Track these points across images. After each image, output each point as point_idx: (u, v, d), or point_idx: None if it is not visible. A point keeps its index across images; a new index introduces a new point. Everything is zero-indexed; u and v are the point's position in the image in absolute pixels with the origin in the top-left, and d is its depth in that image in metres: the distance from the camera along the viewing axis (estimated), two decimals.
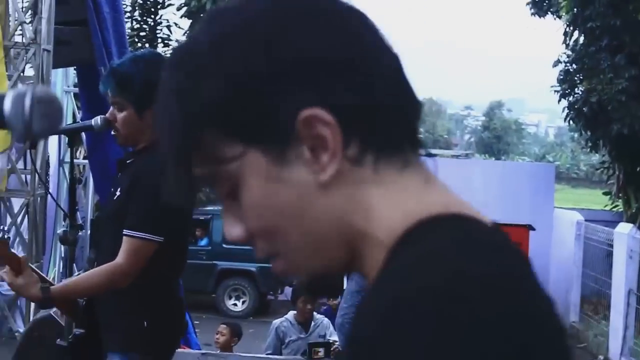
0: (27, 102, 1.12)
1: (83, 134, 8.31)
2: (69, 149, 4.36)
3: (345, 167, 1.15)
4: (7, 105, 1.12)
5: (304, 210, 1.16)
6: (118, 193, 4.21)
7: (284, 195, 1.15)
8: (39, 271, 4.09)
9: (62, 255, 11.55)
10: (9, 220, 9.15)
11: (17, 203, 9.24)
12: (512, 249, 1.12)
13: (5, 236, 3.77)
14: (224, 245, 17.95)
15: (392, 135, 1.18)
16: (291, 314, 9.52)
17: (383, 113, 1.17)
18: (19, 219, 9.14)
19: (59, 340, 4.23)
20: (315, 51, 1.14)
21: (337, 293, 9.21)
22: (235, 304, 18.29)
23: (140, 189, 4.01)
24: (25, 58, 8.90)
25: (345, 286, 7.99)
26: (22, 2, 9.26)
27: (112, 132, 4.21)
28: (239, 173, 1.16)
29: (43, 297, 3.87)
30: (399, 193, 1.17)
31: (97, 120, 4.23)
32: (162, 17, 24.06)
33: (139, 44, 23.33)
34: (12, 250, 3.93)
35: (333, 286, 1.30)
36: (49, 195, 8.90)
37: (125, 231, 3.96)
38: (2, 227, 3.76)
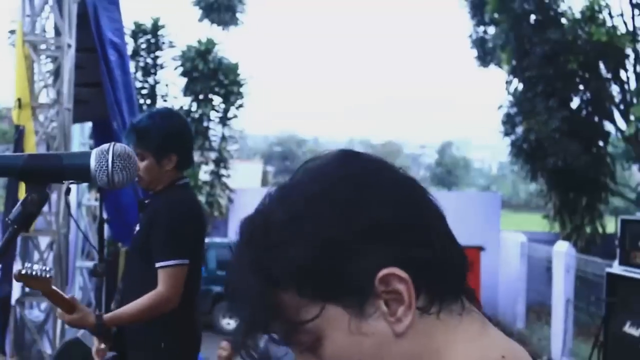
0: (110, 157, 1.16)
1: None
2: (85, 194, 4.37)
3: (415, 316, 1.14)
4: (92, 161, 1.16)
5: (382, 358, 1.14)
6: (137, 228, 4.23)
7: (365, 346, 1.14)
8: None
9: (81, 285, 11.50)
10: (36, 256, 9.11)
11: (43, 241, 9.19)
12: None
13: (48, 275, 3.77)
14: (218, 272, 17.96)
15: (451, 284, 1.19)
16: None
17: (443, 266, 1.17)
18: (45, 255, 9.10)
19: None
20: (387, 217, 1.14)
21: None
22: (228, 323, 18.21)
23: (159, 223, 4.02)
24: (49, 116, 8.90)
25: None
26: (46, 68, 9.27)
27: (136, 179, 4.22)
28: (321, 328, 1.14)
29: (97, 325, 3.88)
30: (461, 339, 1.17)
31: None
32: (161, 77, 24.08)
33: (142, 100, 23.32)
34: (55, 288, 3.94)
35: None
36: (70, 234, 8.88)
37: (157, 264, 3.96)
38: (45, 267, 3.76)
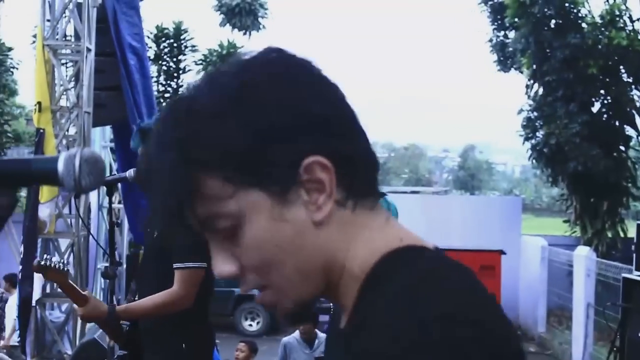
0: (77, 162, 1.15)
1: (119, 184, 8.34)
2: (107, 197, 4.39)
3: (333, 208, 1.16)
4: (60, 165, 1.15)
5: (300, 245, 1.15)
6: (157, 233, 4.24)
7: (285, 232, 1.14)
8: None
9: (102, 286, 11.54)
10: (56, 257, 9.15)
11: (63, 243, 9.25)
12: (460, 266, 1.18)
13: (65, 268, 3.80)
14: None
15: (366, 182, 1.21)
16: (297, 333, 9.47)
17: (362, 162, 1.20)
18: (65, 257, 9.14)
19: None
20: (315, 109, 1.15)
21: (314, 319, 9.06)
22: (250, 325, 18.23)
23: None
24: (69, 119, 8.95)
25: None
26: (66, 71, 9.31)
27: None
28: (243, 213, 1.14)
29: (109, 313, 3.94)
30: (369, 232, 1.19)
31: (130, 172, 4.26)
32: (184, 81, 24.20)
33: (164, 104, 23.45)
34: (72, 282, 3.97)
35: (311, 313, 1.28)
36: (90, 236, 8.91)
37: (175, 265, 4.00)
38: (62, 260, 3.80)
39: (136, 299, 4.32)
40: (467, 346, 1.01)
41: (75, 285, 4.08)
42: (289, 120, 1.14)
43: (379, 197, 1.24)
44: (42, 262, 3.77)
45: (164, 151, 1.13)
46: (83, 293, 3.99)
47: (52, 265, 3.77)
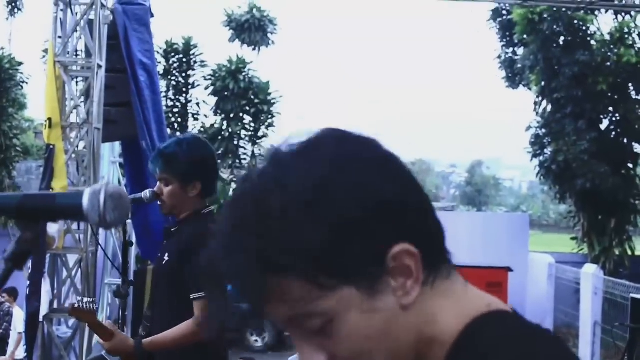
0: (102, 198, 1.17)
1: None
2: None
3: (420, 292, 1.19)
4: (85, 200, 1.17)
5: (390, 332, 1.16)
6: (167, 258, 4.23)
7: (375, 323, 1.15)
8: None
9: (109, 302, 11.55)
10: (64, 273, 9.17)
11: (72, 259, 9.25)
12: (543, 330, 1.21)
13: (93, 307, 3.83)
14: None
15: (440, 253, 1.23)
16: None
17: (436, 236, 1.22)
18: (73, 272, 9.16)
19: None
20: (391, 195, 1.16)
21: None
22: (256, 340, 18.20)
23: (189, 257, 4.03)
24: (79, 136, 8.97)
25: None
26: (77, 87, 9.35)
27: (159, 203, 4.25)
28: (334, 311, 1.13)
29: (136, 348, 3.97)
30: (451, 300, 1.21)
31: (146, 193, 4.28)
32: (192, 96, 24.23)
33: (173, 119, 23.49)
34: (99, 320, 4.00)
35: None
36: (99, 251, 8.93)
37: (192, 296, 4.01)
38: (91, 300, 3.82)
39: (149, 326, 4.32)
40: None
41: (101, 322, 4.11)
42: (366, 212, 1.13)
43: (451, 261, 1.25)
44: (77, 306, 3.83)
45: (236, 254, 1.12)
46: (110, 329, 4.01)
47: (84, 307, 3.81)
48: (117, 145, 11.76)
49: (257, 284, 1.12)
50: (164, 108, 21.71)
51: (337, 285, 1.12)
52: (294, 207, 1.11)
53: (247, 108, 23.83)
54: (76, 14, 9.05)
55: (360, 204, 1.13)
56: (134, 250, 11.70)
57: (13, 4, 23.37)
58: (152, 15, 9.70)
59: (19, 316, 10.91)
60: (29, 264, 8.70)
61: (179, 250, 4.11)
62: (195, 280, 4.01)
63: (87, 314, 3.87)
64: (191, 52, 23.90)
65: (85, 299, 3.86)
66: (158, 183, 4.21)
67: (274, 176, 1.15)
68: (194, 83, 24.08)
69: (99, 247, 7.35)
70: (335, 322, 1.14)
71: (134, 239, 11.21)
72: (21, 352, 10.61)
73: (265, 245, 1.10)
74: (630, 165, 19.77)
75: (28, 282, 8.47)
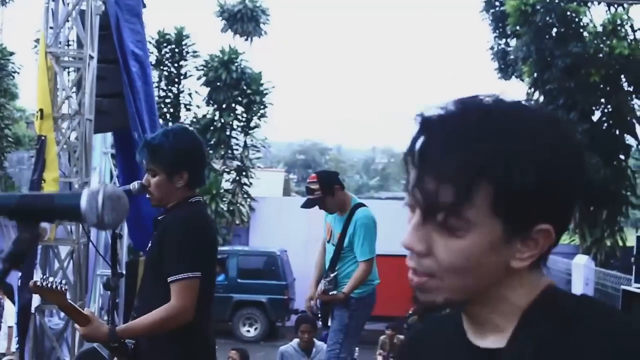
0: (100, 199, 1.17)
1: None
2: None
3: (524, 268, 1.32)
4: (83, 202, 1.17)
5: (490, 275, 1.31)
6: (150, 246, 4.24)
7: (489, 261, 1.29)
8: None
9: (101, 292, 11.54)
10: (56, 264, 9.15)
11: (63, 250, 9.24)
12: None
13: (64, 288, 3.79)
14: (239, 280, 17.98)
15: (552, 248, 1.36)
16: (295, 341, 9.43)
17: (562, 231, 1.34)
18: (65, 264, 9.14)
19: None
20: (579, 182, 1.31)
21: (314, 327, 9.14)
22: (248, 331, 18.26)
23: (170, 239, 4.03)
24: (70, 126, 8.95)
25: (330, 324, 7.72)
26: (68, 78, 9.32)
27: (147, 196, 4.24)
28: (477, 224, 1.26)
29: (110, 335, 3.93)
30: (533, 278, 1.35)
31: (134, 185, 4.27)
32: (184, 86, 24.20)
33: (165, 109, 23.47)
34: (70, 301, 3.96)
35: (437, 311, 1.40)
36: (91, 244, 8.93)
37: (169, 279, 3.97)
38: (61, 280, 3.77)
39: (135, 316, 4.30)
40: None
41: (75, 305, 4.07)
42: (574, 182, 1.30)
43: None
44: (39, 283, 3.76)
45: (460, 144, 1.26)
46: (84, 313, 3.98)
47: (50, 286, 3.75)
48: (109, 136, 11.75)
49: (465, 165, 1.24)
50: (156, 98, 21.72)
51: (499, 213, 1.26)
52: (549, 150, 1.26)
53: (239, 98, 23.82)
54: (68, 4, 9.01)
55: (576, 175, 1.30)
56: (125, 242, 11.71)
57: None
58: (144, 6, 9.68)
59: (10, 309, 10.89)
60: None
61: (161, 235, 4.10)
62: (173, 262, 3.99)
63: (53, 294, 3.81)
64: (183, 43, 23.87)
65: (52, 279, 3.81)
66: (146, 175, 4.21)
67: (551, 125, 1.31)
68: (186, 73, 24.07)
69: (89, 240, 7.31)
70: (463, 232, 1.27)
71: (125, 231, 11.23)
72: (13, 345, 10.58)
73: (489, 151, 1.24)
74: (622, 157, 19.85)
75: (20, 274, 8.46)
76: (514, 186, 1.24)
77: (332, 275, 7.32)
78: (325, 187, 7.31)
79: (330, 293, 7.29)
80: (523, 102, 1.35)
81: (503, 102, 1.32)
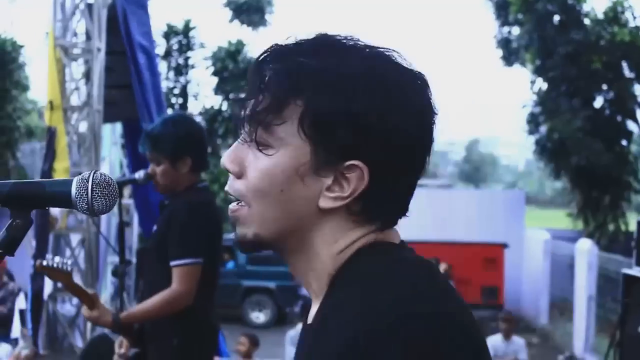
0: (89, 185, 1.18)
1: None
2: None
3: (341, 210, 1.23)
4: (73, 189, 1.18)
5: (298, 212, 1.23)
6: (154, 229, 4.25)
7: (295, 190, 1.22)
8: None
9: (112, 280, 11.59)
10: (68, 252, 9.20)
11: (75, 238, 9.29)
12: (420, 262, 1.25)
13: (68, 268, 3.80)
14: (248, 267, 18.00)
15: (388, 213, 1.27)
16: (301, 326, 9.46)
17: (396, 197, 1.26)
18: (76, 252, 9.19)
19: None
20: (385, 115, 1.20)
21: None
22: (258, 316, 18.26)
23: (174, 223, 4.03)
24: (80, 117, 8.98)
25: None
26: (78, 69, 9.35)
27: (154, 184, 4.24)
28: (285, 144, 1.21)
29: (114, 323, 3.94)
30: (351, 235, 1.25)
31: (140, 174, 4.27)
32: (192, 77, 24.22)
33: (173, 100, 23.48)
34: (76, 282, 3.97)
35: (258, 250, 1.31)
36: (102, 229, 8.95)
37: (171, 263, 3.98)
38: (66, 260, 3.78)
39: (140, 298, 4.31)
40: (418, 332, 1.09)
41: (81, 286, 4.08)
42: (368, 121, 1.19)
43: (393, 228, 1.30)
44: (45, 263, 3.77)
45: (277, 65, 1.22)
46: (90, 293, 3.98)
47: (56, 265, 3.76)
48: (119, 126, 11.77)
49: (278, 83, 1.20)
50: (165, 89, 21.75)
51: (308, 135, 1.19)
52: (337, 69, 1.20)
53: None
54: None
55: (376, 105, 1.19)
56: (136, 230, 11.76)
57: None
58: None
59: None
60: (34, 243, 8.73)
61: (166, 219, 4.11)
62: (175, 246, 3.99)
63: (60, 274, 3.81)
64: (190, 34, 23.88)
65: (57, 258, 3.82)
66: (150, 164, 4.21)
67: (330, 54, 1.23)
68: (193, 64, 24.08)
69: (98, 229, 7.34)
70: (273, 150, 1.21)
71: (136, 219, 11.26)
72: (17, 331, 10.63)
73: (301, 70, 1.20)
74: (624, 143, 19.79)
75: (32, 262, 8.50)
76: (322, 108, 1.18)
77: None
78: None
79: None
80: (380, 48, 1.27)
81: (354, 40, 1.27)
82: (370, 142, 1.19)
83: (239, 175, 1.26)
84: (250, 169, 1.24)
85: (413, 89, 1.25)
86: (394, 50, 1.28)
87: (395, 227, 1.30)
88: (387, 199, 1.23)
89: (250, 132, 1.23)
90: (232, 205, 1.28)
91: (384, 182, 1.21)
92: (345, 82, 1.19)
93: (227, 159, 1.27)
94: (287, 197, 1.22)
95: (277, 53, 1.23)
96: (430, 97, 1.27)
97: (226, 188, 1.29)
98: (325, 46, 1.24)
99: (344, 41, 1.25)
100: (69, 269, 3.83)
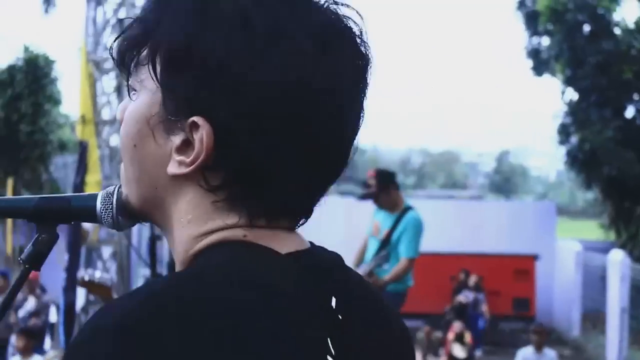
0: (114, 200, 1.17)
1: None
2: None
3: (196, 185, 1.04)
4: (98, 203, 1.18)
5: (151, 171, 1.07)
6: None
7: (147, 144, 1.06)
8: None
9: None
10: (100, 265, 9.25)
11: (106, 251, 9.35)
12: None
13: (109, 283, 3.84)
14: None
15: (258, 195, 1.04)
16: None
17: (268, 176, 1.03)
18: (108, 264, 9.25)
19: None
20: (247, 76, 0.99)
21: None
22: None
23: None
24: (111, 131, 9.05)
25: None
26: (110, 84, 9.43)
27: None
28: (145, 87, 1.05)
29: None
30: (207, 222, 1.06)
31: None
32: None
33: None
34: (115, 297, 4.01)
35: (133, 222, 1.17)
36: (134, 241, 9.00)
37: None
38: (108, 277, 3.83)
39: None
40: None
41: None
42: (219, 74, 1.00)
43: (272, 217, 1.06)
44: (87, 278, 3.81)
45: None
46: None
47: (97, 281, 3.81)
48: None
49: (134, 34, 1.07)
50: None
51: (160, 81, 1.02)
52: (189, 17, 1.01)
53: None
54: (105, 12, 9.12)
55: (229, 40, 1.00)
56: (166, 243, 11.81)
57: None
58: None
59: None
60: (66, 256, 8.78)
61: None
62: None
63: (100, 288, 3.86)
64: None
65: (99, 273, 3.86)
66: None
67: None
68: None
69: (129, 242, 7.39)
70: (136, 95, 1.06)
71: None
72: (48, 343, 10.71)
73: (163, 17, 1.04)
74: None
75: (65, 275, 8.56)
76: (163, 44, 1.02)
77: (383, 252, 7.43)
78: (381, 184, 7.66)
79: (376, 271, 7.36)
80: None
81: None
82: (219, 93, 0.99)
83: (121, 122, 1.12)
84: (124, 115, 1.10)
85: (305, 12, 1.04)
86: None
87: (291, 230, 1.09)
88: (257, 181, 1.02)
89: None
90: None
91: (245, 156, 1.00)
92: (201, 11, 1.02)
93: (118, 109, 1.15)
94: (140, 154, 1.07)
95: None
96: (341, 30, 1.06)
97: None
98: None
99: None
100: (110, 284, 3.87)
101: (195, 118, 1.00)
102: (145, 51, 1.05)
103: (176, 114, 1.02)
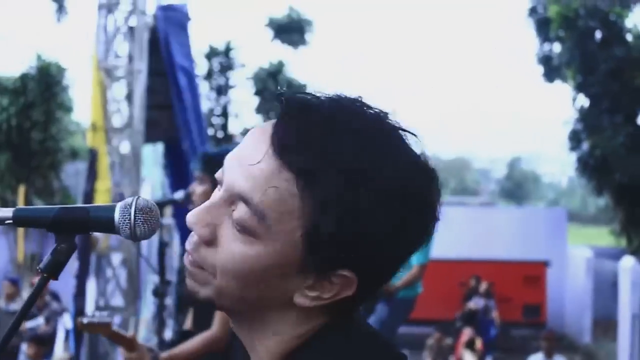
0: (132, 211, 1.21)
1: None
2: None
3: (314, 312, 1.14)
4: (116, 214, 1.21)
5: (266, 300, 1.14)
6: None
7: (272, 282, 1.12)
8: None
9: (153, 300, 11.67)
10: (109, 272, 9.29)
11: (116, 258, 9.37)
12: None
13: (107, 320, 3.84)
14: None
15: (351, 310, 1.17)
16: None
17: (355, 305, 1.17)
18: (117, 271, 9.27)
19: None
20: (377, 236, 1.10)
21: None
22: None
23: None
24: (121, 138, 9.09)
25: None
26: (120, 92, 9.46)
27: (190, 203, 4.29)
28: (278, 238, 1.09)
29: None
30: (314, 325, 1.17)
31: (180, 194, 4.32)
32: (233, 96, 24.51)
33: (215, 120, 23.76)
34: (115, 329, 4.03)
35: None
36: (142, 251, 9.03)
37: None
38: (105, 313, 3.84)
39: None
40: None
41: (119, 332, 4.13)
42: (358, 230, 1.08)
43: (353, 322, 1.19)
44: (86, 321, 3.83)
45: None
46: (128, 337, 4.00)
47: (96, 321, 3.81)
48: (160, 148, 11.89)
49: (268, 164, 1.11)
50: (206, 110, 21.94)
51: (305, 246, 1.09)
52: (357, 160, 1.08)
53: None
54: (116, 20, 9.16)
55: (374, 225, 1.09)
56: (177, 247, 11.82)
57: (60, 6, 23.71)
58: (189, 19, 9.81)
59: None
60: (76, 264, 8.83)
61: None
62: None
63: (100, 327, 3.86)
64: (230, 54, 24.17)
65: (98, 313, 3.87)
66: (193, 182, 4.26)
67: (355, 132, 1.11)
68: (234, 84, 24.36)
69: (138, 250, 7.44)
70: (258, 239, 1.10)
71: (177, 239, 11.33)
72: (60, 351, 10.75)
73: (316, 154, 1.08)
74: None
75: (75, 282, 8.60)
76: (325, 228, 1.07)
77: None
78: None
79: None
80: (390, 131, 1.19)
81: (364, 114, 1.16)
82: (367, 256, 1.10)
83: (208, 243, 1.14)
84: (225, 247, 1.12)
85: (427, 205, 1.14)
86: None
87: None
88: (363, 299, 1.16)
89: (238, 210, 1.12)
90: (191, 266, 1.17)
91: (368, 289, 1.15)
92: (360, 203, 1.08)
93: (198, 219, 1.15)
94: (261, 285, 1.12)
95: (293, 128, 1.11)
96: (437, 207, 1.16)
97: (187, 245, 1.17)
98: (329, 128, 1.10)
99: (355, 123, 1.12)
100: (108, 320, 3.89)
101: (344, 272, 1.10)
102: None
103: (318, 268, 1.11)
